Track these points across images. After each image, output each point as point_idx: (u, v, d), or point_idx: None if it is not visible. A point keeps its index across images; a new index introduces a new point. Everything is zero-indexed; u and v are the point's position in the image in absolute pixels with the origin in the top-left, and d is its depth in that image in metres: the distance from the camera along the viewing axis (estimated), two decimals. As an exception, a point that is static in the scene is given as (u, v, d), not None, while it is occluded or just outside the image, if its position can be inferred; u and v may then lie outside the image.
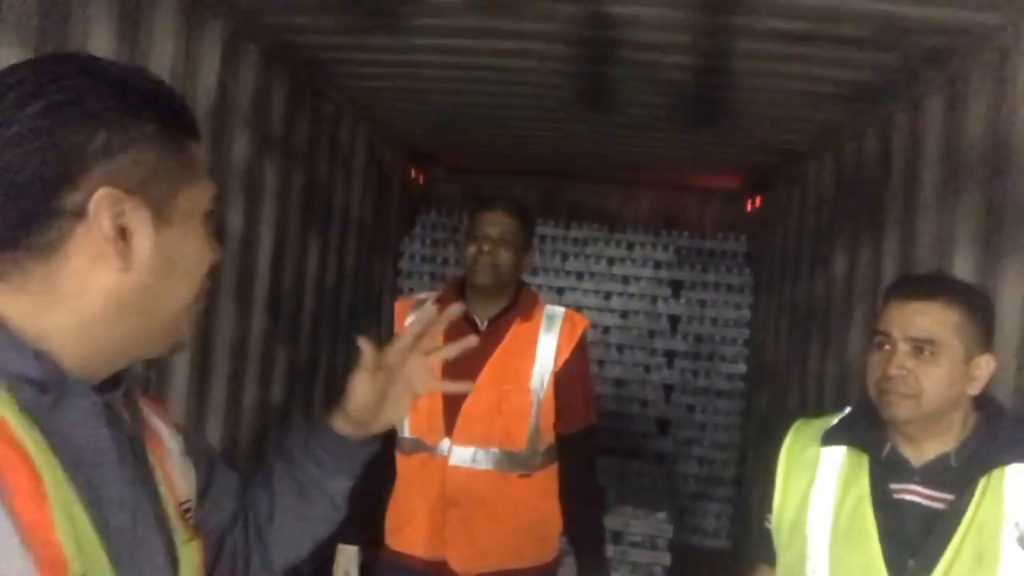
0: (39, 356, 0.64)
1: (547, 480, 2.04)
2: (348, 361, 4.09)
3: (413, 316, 2.06)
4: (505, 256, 1.97)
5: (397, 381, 0.99)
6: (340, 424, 0.97)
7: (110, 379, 0.72)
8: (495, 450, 1.98)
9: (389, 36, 2.78)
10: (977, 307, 1.34)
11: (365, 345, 0.98)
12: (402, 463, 2.05)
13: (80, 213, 0.64)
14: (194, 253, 0.72)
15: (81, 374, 0.67)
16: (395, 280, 5.20)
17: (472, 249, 1.98)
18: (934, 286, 1.37)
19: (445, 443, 1.98)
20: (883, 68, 2.56)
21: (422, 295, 2.18)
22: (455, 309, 1.03)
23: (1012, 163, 2.05)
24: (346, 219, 4.03)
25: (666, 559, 3.74)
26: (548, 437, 2.03)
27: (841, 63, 2.58)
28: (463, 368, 1.95)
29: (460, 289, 2.08)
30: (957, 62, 2.33)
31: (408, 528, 2.02)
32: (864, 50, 2.42)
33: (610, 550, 3.73)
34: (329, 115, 3.63)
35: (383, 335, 2.12)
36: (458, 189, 5.68)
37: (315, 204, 3.56)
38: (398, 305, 2.15)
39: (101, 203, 0.64)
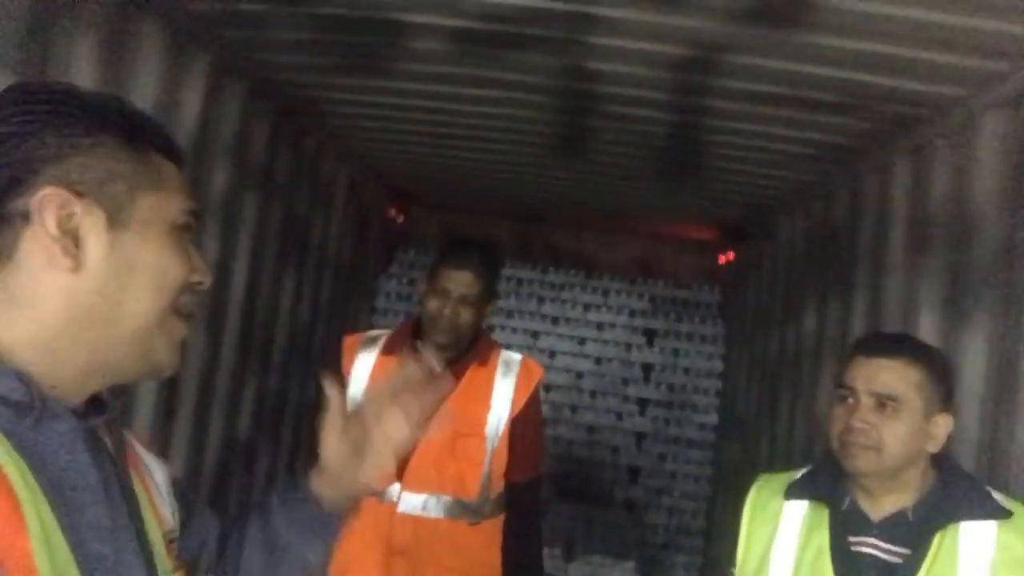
0: (20, 377, 0.64)
1: (494, 529, 2.01)
2: (317, 399, 4.05)
3: (362, 353, 2.02)
4: (466, 316, 1.95)
5: (374, 436, 0.89)
6: (319, 482, 0.89)
7: (94, 405, 0.72)
8: (447, 497, 1.93)
9: (373, 78, 2.83)
10: (938, 367, 1.38)
11: (332, 391, 0.89)
12: None
13: (28, 216, 0.65)
14: (156, 260, 0.71)
15: (54, 393, 0.67)
16: (371, 318, 5.18)
17: (433, 305, 1.95)
18: (898, 345, 1.41)
19: (395, 489, 1.92)
20: (853, 132, 2.65)
21: (374, 332, 2.13)
22: (433, 363, 0.96)
23: (974, 229, 2.11)
24: (323, 255, 4.03)
25: (632, 610, 3.70)
26: (499, 485, 2.00)
27: (812, 125, 2.66)
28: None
29: (415, 330, 2.04)
30: (923, 130, 2.41)
31: None
32: (834, 114, 2.50)
33: (576, 599, 3.69)
34: (310, 152, 3.65)
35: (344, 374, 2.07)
36: (437, 228, 5.71)
37: (292, 239, 3.56)
38: (347, 341, 2.09)
39: (44, 202, 0.66)
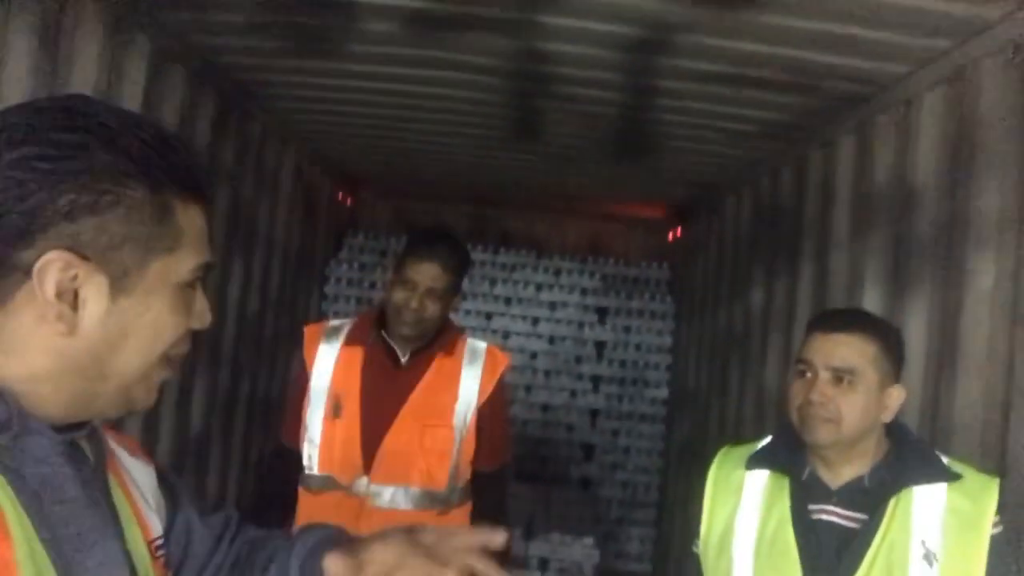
0: None
1: (462, 517, 2.01)
2: (269, 390, 3.98)
3: (323, 344, 1.99)
4: (432, 308, 1.91)
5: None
6: None
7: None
8: (415, 489, 1.92)
9: (320, 60, 2.77)
10: (892, 342, 1.44)
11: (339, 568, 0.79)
12: (308, 502, 1.94)
13: (28, 271, 0.63)
14: (153, 323, 0.68)
15: (38, 415, 0.66)
16: (321, 304, 5.11)
17: (399, 296, 1.90)
18: (855, 320, 1.46)
19: (362, 482, 1.90)
20: (799, 110, 2.71)
21: (335, 322, 2.09)
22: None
23: (915, 204, 2.19)
24: (271, 242, 3.95)
25: (591, 585, 3.78)
26: (467, 474, 2.00)
27: (759, 104, 2.71)
28: (384, 403, 1.92)
29: (379, 320, 2.01)
30: (867, 107, 2.48)
31: None
32: (781, 93, 2.56)
33: (536, 577, 3.74)
34: (255, 136, 3.56)
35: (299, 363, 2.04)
36: (386, 213, 5.66)
37: (239, 226, 3.48)
38: (308, 331, 2.05)
39: (48, 265, 0.63)
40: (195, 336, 0.75)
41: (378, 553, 0.79)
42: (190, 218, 0.70)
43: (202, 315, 0.73)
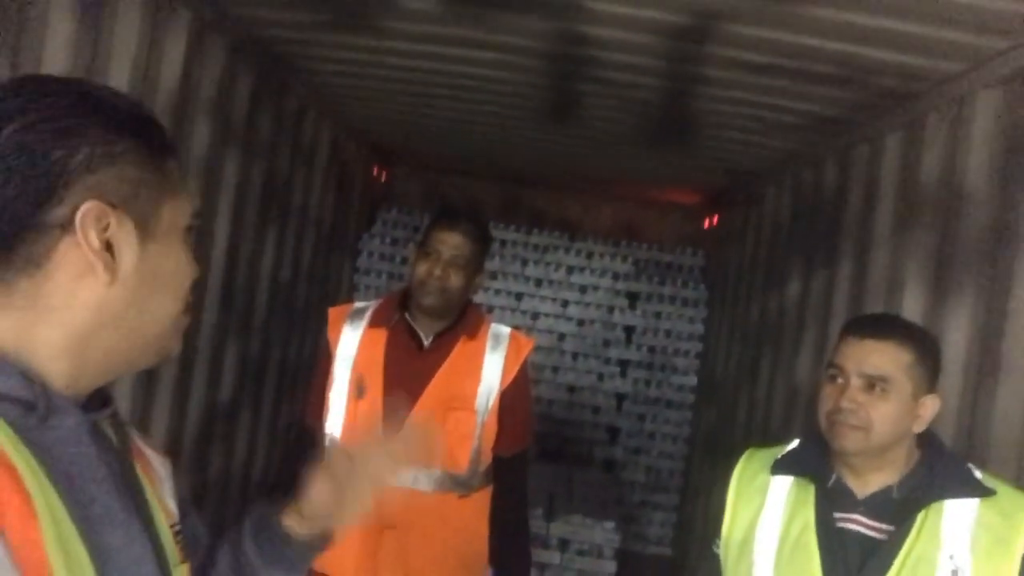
0: (25, 375, 0.64)
1: (483, 500, 2.02)
2: (299, 361, 4.03)
3: (347, 327, 1.99)
4: (456, 280, 1.91)
5: (360, 476, 0.91)
6: (292, 520, 0.91)
7: (97, 399, 0.72)
8: (437, 471, 1.92)
9: (359, 36, 2.75)
10: (928, 350, 1.40)
11: (336, 449, 0.93)
12: None
13: (65, 227, 0.65)
14: (176, 267, 0.73)
15: (67, 391, 0.67)
16: (352, 278, 5.15)
17: (423, 268, 1.92)
18: (890, 326, 1.42)
19: None
20: (846, 104, 2.63)
21: (359, 305, 2.09)
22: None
23: (963, 206, 2.12)
24: (305, 214, 3.97)
25: (611, 567, 3.79)
26: (488, 458, 2.00)
27: (805, 96, 2.63)
28: (407, 385, 1.93)
29: (403, 301, 2.01)
30: (916, 104, 2.40)
31: (337, 549, 1.94)
32: (828, 86, 2.48)
33: (556, 557, 3.76)
34: (293, 109, 3.57)
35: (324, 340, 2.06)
36: (420, 188, 5.66)
37: (274, 198, 3.50)
38: (332, 313, 2.06)
39: (87, 216, 0.65)
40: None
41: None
42: (175, 169, 0.74)
43: (194, 261, 0.77)
